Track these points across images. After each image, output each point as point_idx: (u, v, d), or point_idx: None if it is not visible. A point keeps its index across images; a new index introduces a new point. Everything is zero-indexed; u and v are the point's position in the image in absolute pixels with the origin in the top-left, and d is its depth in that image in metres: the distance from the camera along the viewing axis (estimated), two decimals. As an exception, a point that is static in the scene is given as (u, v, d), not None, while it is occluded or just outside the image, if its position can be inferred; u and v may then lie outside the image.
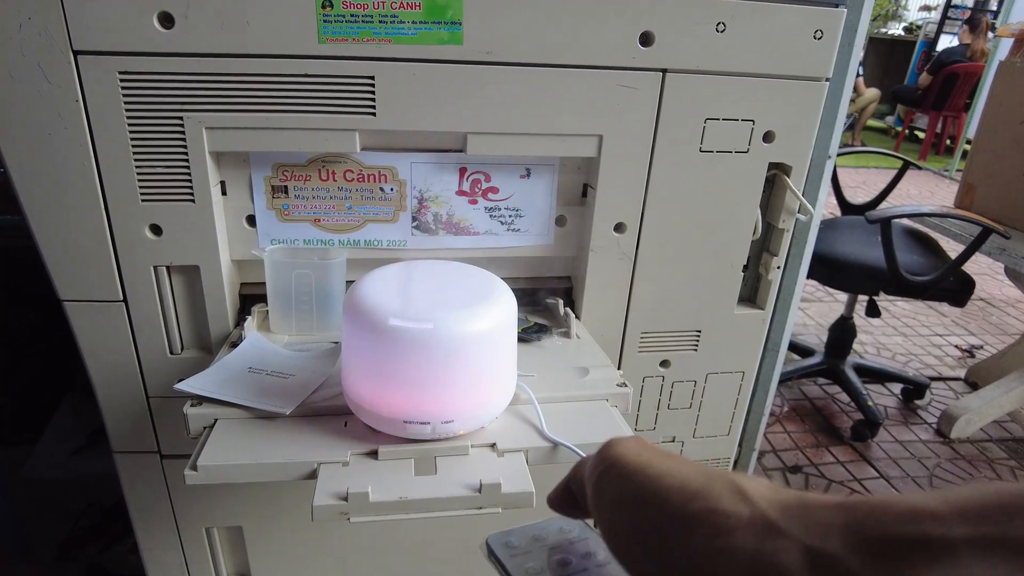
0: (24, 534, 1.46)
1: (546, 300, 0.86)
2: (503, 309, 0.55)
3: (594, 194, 0.78)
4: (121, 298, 0.74)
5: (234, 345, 0.73)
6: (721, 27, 0.71)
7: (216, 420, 0.59)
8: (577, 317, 0.83)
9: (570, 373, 0.69)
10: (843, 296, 2.42)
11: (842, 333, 2.16)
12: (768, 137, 0.78)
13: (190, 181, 0.70)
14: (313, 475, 0.54)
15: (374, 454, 0.55)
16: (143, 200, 0.70)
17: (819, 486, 1.85)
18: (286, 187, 0.75)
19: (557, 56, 0.70)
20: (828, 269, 1.88)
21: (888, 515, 0.20)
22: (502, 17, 0.67)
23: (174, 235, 0.72)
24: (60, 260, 0.72)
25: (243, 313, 0.81)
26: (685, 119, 0.75)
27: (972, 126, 4.78)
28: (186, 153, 0.69)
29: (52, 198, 0.69)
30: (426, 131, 0.72)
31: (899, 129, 6.09)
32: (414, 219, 0.79)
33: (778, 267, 0.87)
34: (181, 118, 0.67)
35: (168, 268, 0.74)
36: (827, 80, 0.76)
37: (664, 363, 0.90)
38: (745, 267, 0.86)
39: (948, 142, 5.75)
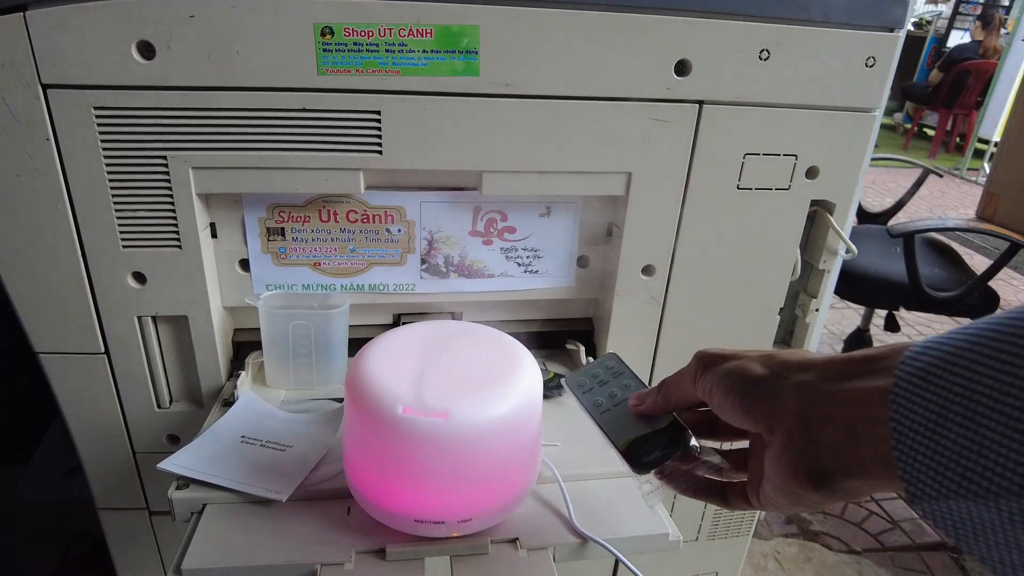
0: (13, 562, 1.40)
1: (565, 345, 0.79)
2: (528, 386, 0.49)
3: (620, 234, 0.71)
4: (103, 350, 0.68)
5: (227, 403, 0.66)
6: (765, 54, 0.64)
7: (204, 506, 0.53)
8: (599, 364, 0.76)
9: (597, 439, 0.62)
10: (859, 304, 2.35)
11: (859, 346, 2.09)
12: (811, 173, 0.71)
13: (176, 225, 0.63)
14: (313, 578, 0.47)
15: (381, 553, 0.48)
16: (124, 246, 0.63)
17: (835, 507, 1.78)
18: (283, 229, 0.69)
19: (583, 88, 0.63)
20: (846, 282, 1.81)
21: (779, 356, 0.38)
22: (523, 45, 0.60)
23: (159, 283, 0.65)
24: (34, 310, 0.65)
25: (237, 360, 0.74)
26: (722, 154, 0.68)
27: (983, 124, 4.70)
28: (171, 196, 0.62)
29: (23, 244, 0.62)
30: (437, 170, 0.65)
31: (908, 127, 6.00)
32: (423, 261, 0.72)
33: (816, 309, 0.81)
34: (165, 158, 0.60)
35: (154, 318, 0.68)
36: (876, 111, 0.69)
37: (692, 411, 0.83)
38: (781, 309, 0.79)
39: (958, 140, 5.67)
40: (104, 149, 0.59)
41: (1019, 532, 0.25)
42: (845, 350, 1.93)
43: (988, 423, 0.26)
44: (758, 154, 0.69)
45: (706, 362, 0.41)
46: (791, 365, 0.36)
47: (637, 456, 0.45)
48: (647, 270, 0.73)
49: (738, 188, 0.70)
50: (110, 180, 0.61)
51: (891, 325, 1.92)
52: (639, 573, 0.49)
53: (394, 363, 0.48)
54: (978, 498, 0.26)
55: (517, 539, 0.50)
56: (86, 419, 0.71)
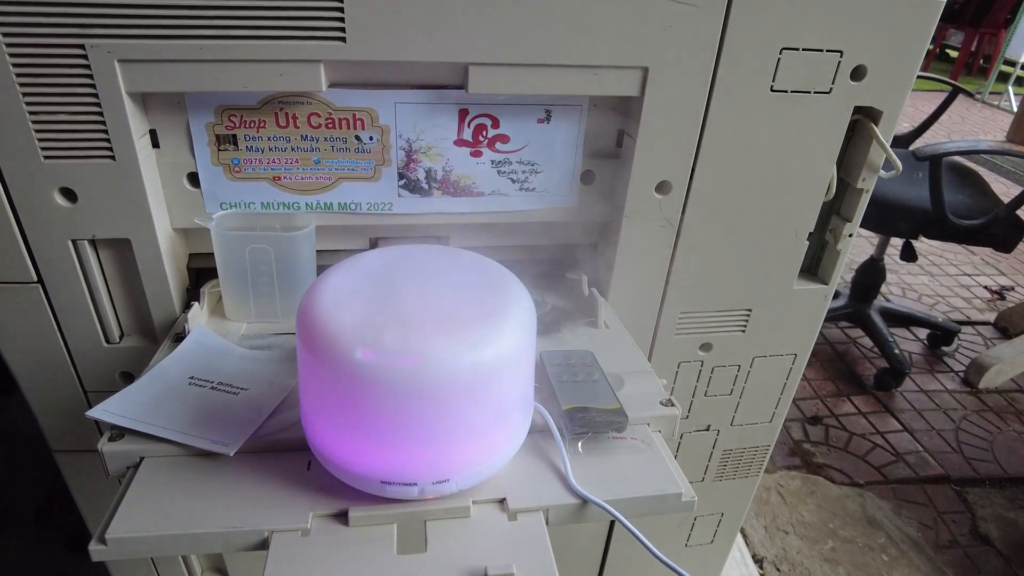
0: (2, 494, 1.37)
1: (567, 275, 0.70)
2: (517, 325, 0.40)
3: (632, 144, 0.61)
4: (35, 279, 0.59)
5: (178, 339, 0.58)
6: (814, -81, 0.52)
7: (142, 459, 0.45)
8: (603, 295, 0.68)
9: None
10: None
11: (871, 276, 2.00)
12: (858, 74, 0.60)
13: (106, 132, 0.53)
14: (263, 545, 0.40)
15: (343, 516, 0.41)
16: (46, 157, 0.53)
17: (840, 439, 1.75)
18: (234, 136, 0.58)
19: (591, -40, 0.51)
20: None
21: None
22: (517, -98, 0.48)
23: (92, 201, 0.56)
24: (-52, 231, 0.56)
25: (195, 289, 0.66)
26: (755, 49, 0.57)
27: (1011, 44, 4.44)
28: (96, 95, 0.52)
29: (-76, 153, 0.52)
30: (414, 62, 0.55)
31: (930, 47, 5.69)
32: (401, 176, 0.62)
33: (850, 235, 0.71)
34: (83, 47, 0.50)
35: (92, 242, 0.59)
36: (943, -5, 0.58)
37: (705, 346, 0.75)
38: (810, 234, 0.70)
39: (982, 62, 5.39)
40: (6, 38, 0.49)
41: None
42: (857, 280, 1.85)
43: None
44: (797, 49, 0.58)
45: None
46: None
47: (574, 418, 0.48)
48: (662, 187, 0.63)
49: (772, 90, 0.60)
50: (18, 77, 0.50)
51: (908, 255, 1.83)
52: (643, 538, 0.42)
53: (353, 297, 0.39)
54: None
55: (504, 499, 0.43)
56: (26, 355, 0.64)
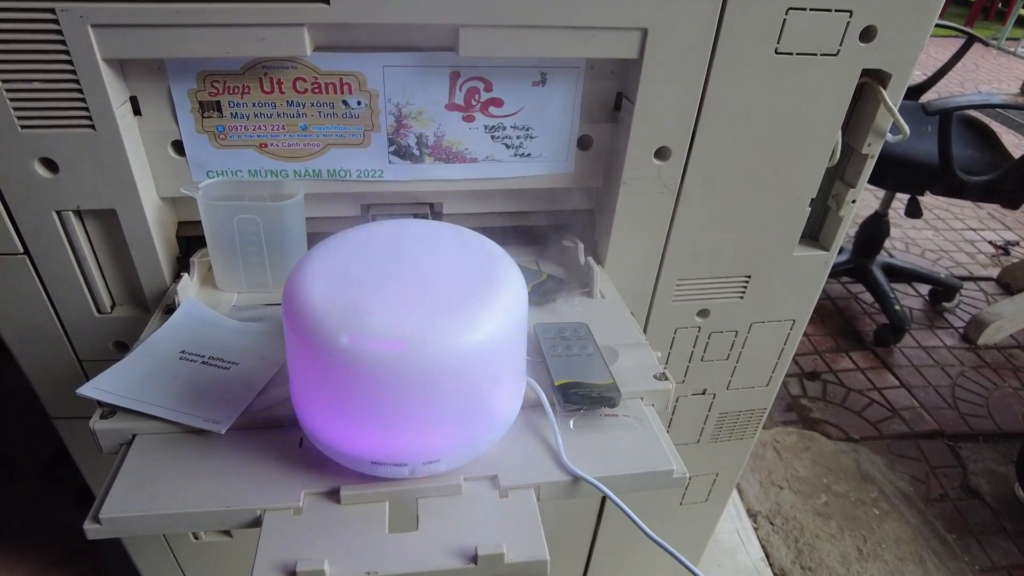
0: (5, 450, 1.39)
1: (563, 243, 0.69)
2: (508, 308, 0.39)
3: (631, 109, 0.59)
4: (20, 250, 0.58)
5: (168, 311, 0.57)
6: None
7: (134, 436, 0.45)
8: (599, 263, 0.67)
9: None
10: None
11: (875, 231, 1.98)
12: (867, 35, 0.58)
13: (83, 100, 0.51)
14: (256, 523, 0.40)
15: (335, 494, 0.41)
16: (23, 127, 0.52)
17: (837, 395, 1.76)
18: (218, 103, 0.56)
19: (587, -87, 0.48)
20: (872, 165, 1.67)
21: None
22: None
23: (75, 171, 0.54)
24: (-71, 203, 0.55)
25: (186, 258, 0.65)
26: (760, 9, 0.55)
27: (1031, -14, 4.28)
28: (70, 62, 0.50)
29: (-102, 123, 0.51)
30: (401, 24, 0.52)
31: (946, -11, 5.50)
32: (391, 142, 0.61)
33: (852, 201, 0.69)
34: (53, 11, 0.47)
35: (77, 213, 0.58)
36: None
37: (703, 313, 0.75)
38: (812, 200, 0.68)
39: (1000, 6, 5.21)
40: (-28, -2, 0.46)
41: None
42: (860, 235, 1.82)
43: None
44: (804, 9, 0.55)
45: None
46: None
47: (567, 394, 0.48)
48: (661, 153, 0.61)
49: (776, 52, 0.57)
50: (-11, 40, 0.48)
51: (913, 211, 1.80)
52: (634, 516, 0.42)
53: (339, 277, 0.39)
54: None
55: (496, 476, 0.43)
56: (18, 326, 0.63)
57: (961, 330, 2.01)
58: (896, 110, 0.62)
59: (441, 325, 0.36)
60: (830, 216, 0.73)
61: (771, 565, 1.28)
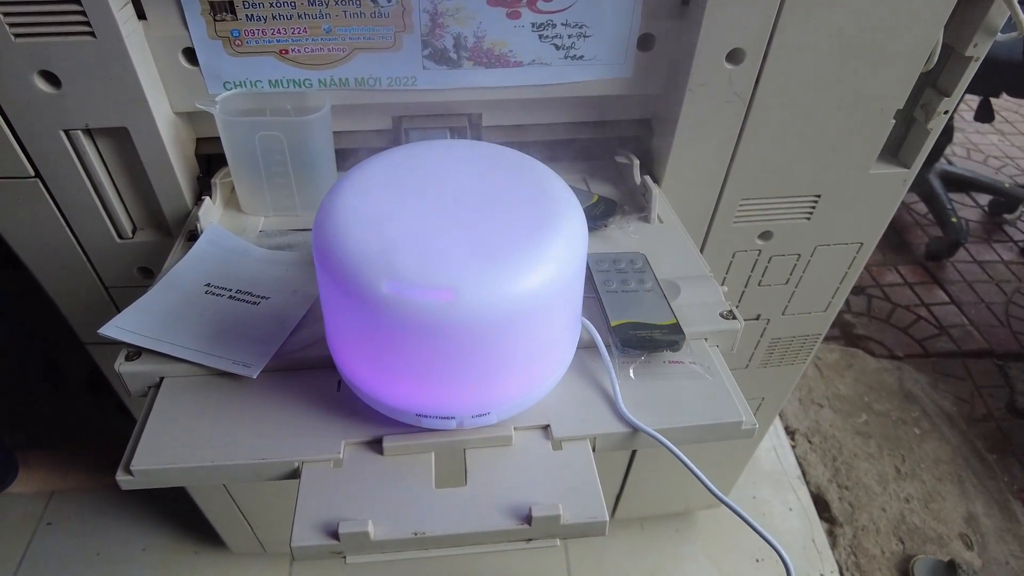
0: (48, 364, 1.42)
1: (616, 158, 0.62)
2: (567, 248, 0.34)
3: (702, 3, 0.51)
4: (31, 173, 0.54)
5: (192, 237, 0.54)
6: None
7: (162, 379, 0.42)
8: (656, 182, 0.60)
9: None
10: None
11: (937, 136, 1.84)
12: (996, -98, 0.48)
13: (79, 3, 0.45)
14: (294, 475, 0.38)
15: (378, 444, 0.38)
16: (16, 35, 0.46)
17: (883, 311, 1.70)
18: (231, 3, 0.50)
19: None
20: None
21: None
22: None
23: (78, 84, 0.49)
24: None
25: (208, 177, 0.60)
26: None
27: None
28: (58, -47, 0.43)
29: None
30: (438, -97, 0.44)
31: None
32: (425, 45, 0.53)
33: (946, 111, 0.61)
34: None
35: (87, 131, 0.53)
36: None
37: (765, 235, 0.69)
38: (898, 111, 0.60)
39: None
40: None
41: None
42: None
43: None
44: None
45: None
46: None
47: (625, 337, 0.44)
48: (734, 56, 0.53)
49: (881, -71, 0.48)
50: (-36, -71, 0.42)
51: (984, 114, 1.66)
52: (702, 476, 0.39)
53: (374, 213, 0.34)
54: None
55: (548, 426, 0.40)
56: (39, 254, 0.60)
57: (1021, 244, 1.90)
58: (1016, 2, 0.52)
59: (492, 270, 0.32)
60: (915, 129, 0.64)
61: (807, 483, 1.28)
